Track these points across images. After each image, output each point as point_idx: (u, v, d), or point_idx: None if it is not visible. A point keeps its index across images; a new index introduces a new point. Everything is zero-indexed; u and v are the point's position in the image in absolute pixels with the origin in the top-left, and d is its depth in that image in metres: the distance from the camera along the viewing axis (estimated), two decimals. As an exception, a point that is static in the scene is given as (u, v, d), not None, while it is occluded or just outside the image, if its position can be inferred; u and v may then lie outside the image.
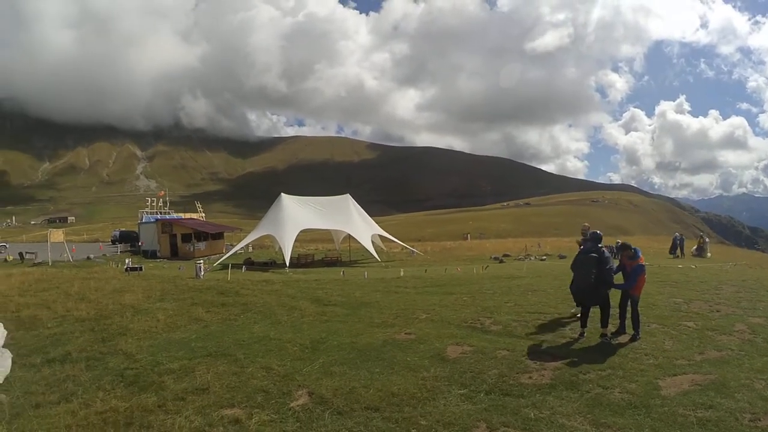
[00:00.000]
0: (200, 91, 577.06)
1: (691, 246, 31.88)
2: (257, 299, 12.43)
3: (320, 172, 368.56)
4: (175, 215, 47.61)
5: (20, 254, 32.75)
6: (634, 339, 8.08)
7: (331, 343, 8.33)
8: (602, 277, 8.06)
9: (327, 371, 6.83)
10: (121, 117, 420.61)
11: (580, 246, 9.37)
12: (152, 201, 47.29)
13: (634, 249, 8.48)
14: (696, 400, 5.56)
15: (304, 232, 32.14)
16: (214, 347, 8.13)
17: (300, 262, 30.38)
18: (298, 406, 5.73)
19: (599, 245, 8.33)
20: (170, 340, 8.68)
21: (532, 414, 5.35)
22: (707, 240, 32.03)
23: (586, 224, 9.48)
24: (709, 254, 29.24)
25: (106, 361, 7.54)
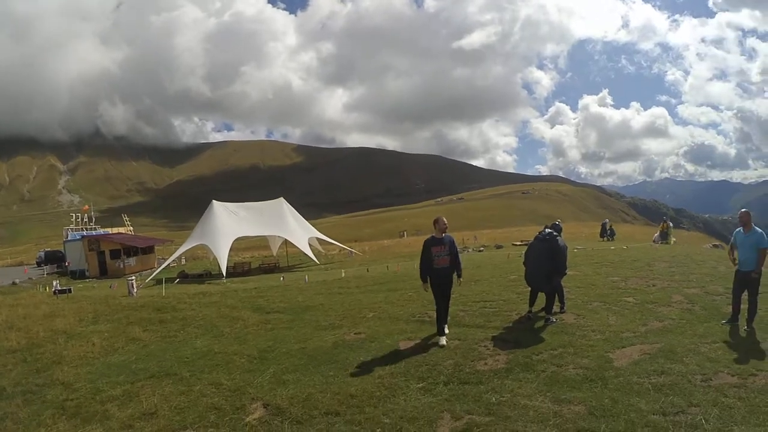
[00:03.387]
0: (118, 96, 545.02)
1: (651, 232, 30.38)
2: (196, 313, 11.81)
3: (251, 177, 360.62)
4: (101, 231, 44.81)
5: None
6: (561, 311, 8.70)
7: (279, 350, 8.00)
8: (556, 267, 8.29)
9: (279, 380, 6.53)
10: (40, 127, 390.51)
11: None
12: (77, 217, 44.25)
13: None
14: (648, 368, 5.78)
15: (239, 239, 31.15)
16: (157, 367, 7.62)
17: (237, 270, 29.44)
18: (254, 419, 5.42)
19: (556, 235, 8.54)
20: (109, 365, 8.07)
21: (494, 398, 5.34)
22: (671, 225, 27.87)
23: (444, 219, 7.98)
24: (673, 239, 26.24)
25: (44, 394, 6.88)
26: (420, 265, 7.92)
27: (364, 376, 6.37)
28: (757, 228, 7.46)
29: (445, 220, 7.94)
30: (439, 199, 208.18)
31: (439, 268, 7.72)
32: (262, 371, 6.98)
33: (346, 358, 7.21)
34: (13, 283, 29.70)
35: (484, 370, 6.26)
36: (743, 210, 7.73)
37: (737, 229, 7.75)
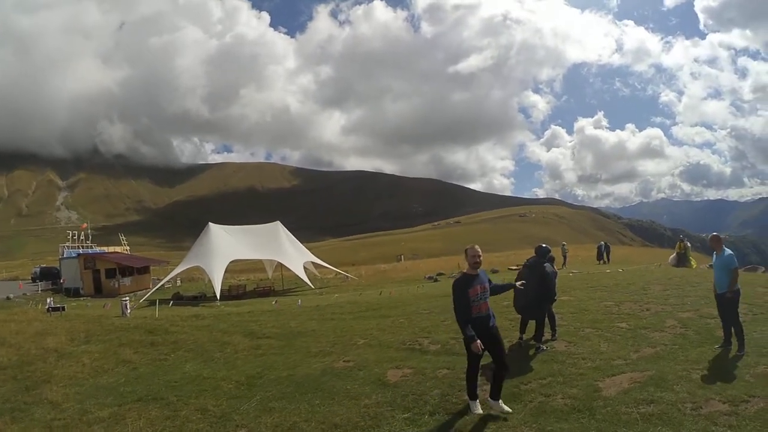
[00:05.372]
0: (117, 115, 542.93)
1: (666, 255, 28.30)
2: (188, 336, 11.77)
3: (249, 199, 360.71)
4: (98, 249, 44.60)
5: None
6: (552, 338, 8.59)
7: (267, 377, 7.98)
8: (546, 293, 8.25)
9: (265, 407, 6.50)
10: (40, 143, 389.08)
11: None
12: (74, 234, 44.10)
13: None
14: (637, 397, 5.69)
15: (234, 262, 31.12)
16: (145, 391, 7.65)
17: (231, 293, 29.29)
18: (237, 447, 5.33)
19: (543, 261, 8.49)
20: (98, 386, 8.13)
21: (480, 430, 5.23)
22: (689, 245, 23.96)
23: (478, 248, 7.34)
24: (693, 263, 22.31)
25: (32, 412, 6.94)
26: (457, 316, 5.73)
27: (350, 406, 6.29)
28: (727, 249, 7.62)
29: (478, 249, 5.82)
30: (436, 223, 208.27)
31: (481, 316, 5.76)
32: (249, 398, 6.96)
33: (333, 387, 7.14)
34: (7, 298, 29.46)
35: (471, 400, 6.16)
36: (713, 234, 8.00)
37: (714, 253, 7.88)
